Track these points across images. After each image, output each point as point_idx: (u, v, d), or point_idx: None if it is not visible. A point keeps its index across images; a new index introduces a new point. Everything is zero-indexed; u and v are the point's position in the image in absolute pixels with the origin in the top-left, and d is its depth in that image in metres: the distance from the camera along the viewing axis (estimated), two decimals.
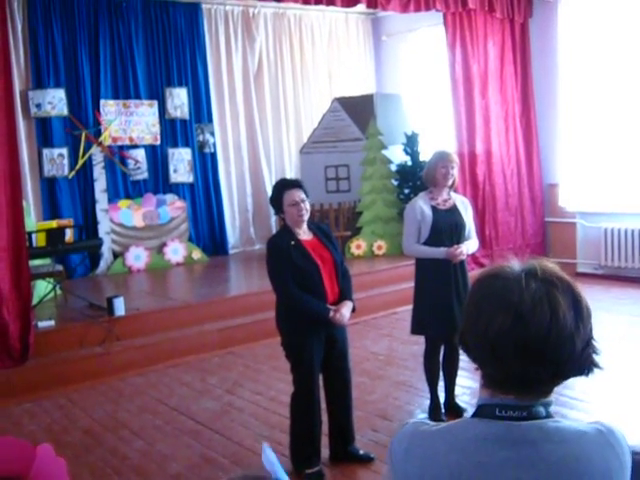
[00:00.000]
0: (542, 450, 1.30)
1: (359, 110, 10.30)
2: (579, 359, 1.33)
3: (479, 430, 1.34)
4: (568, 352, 1.31)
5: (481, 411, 1.38)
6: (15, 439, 1.59)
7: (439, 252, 4.78)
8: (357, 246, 9.66)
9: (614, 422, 1.41)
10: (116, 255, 9.62)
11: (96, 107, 9.56)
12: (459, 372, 5.19)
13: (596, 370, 1.38)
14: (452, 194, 5.07)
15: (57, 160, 9.21)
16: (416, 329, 5.04)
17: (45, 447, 1.59)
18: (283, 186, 4.21)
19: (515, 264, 1.39)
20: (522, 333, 1.29)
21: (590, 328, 1.36)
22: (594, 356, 1.37)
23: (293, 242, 4.12)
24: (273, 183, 10.55)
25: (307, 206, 4.18)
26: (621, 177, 8.99)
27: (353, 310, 4.25)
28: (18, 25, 8.92)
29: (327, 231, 4.41)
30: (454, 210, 4.96)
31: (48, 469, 1.56)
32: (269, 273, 4.22)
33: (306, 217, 4.19)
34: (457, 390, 5.22)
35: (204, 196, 10.54)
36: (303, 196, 4.16)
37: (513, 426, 1.32)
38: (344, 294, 4.24)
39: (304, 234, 4.22)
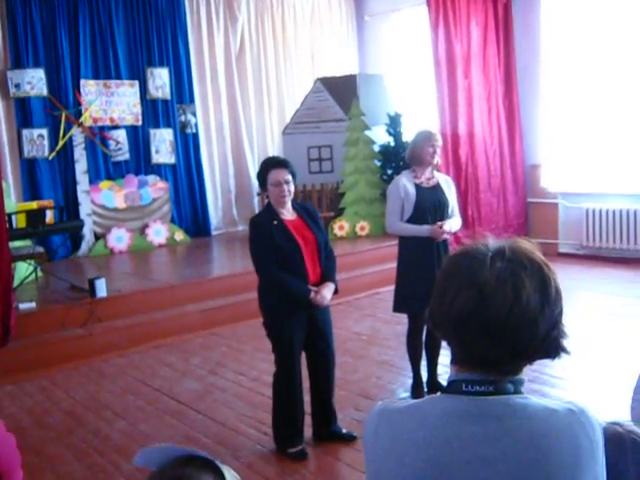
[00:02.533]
0: (508, 425, 1.29)
1: (342, 90, 10.26)
2: (543, 342, 1.31)
3: (447, 405, 1.34)
4: (530, 335, 1.29)
5: (450, 387, 1.37)
6: None
7: (422, 230, 4.79)
8: (340, 227, 9.65)
9: (587, 402, 1.40)
10: (98, 237, 9.56)
11: (76, 87, 9.46)
12: (441, 351, 5.21)
13: (563, 354, 1.36)
14: (435, 173, 5.07)
15: (37, 141, 9.11)
16: (398, 306, 5.05)
17: None
18: (269, 164, 4.19)
19: (490, 243, 1.37)
20: (484, 313, 1.28)
21: (559, 312, 1.33)
22: (561, 340, 1.34)
23: (275, 222, 4.10)
24: (256, 164, 10.60)
25: (291, 187, 4.15)
26: (603, 158, 9.01)
27: (335, 292, 4.24)
28: None
29: (312, 211, 4.39)
30: (437, 188, 4.97)
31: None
32: (251, 252, 4.21)
33: (288, 199, 4.17)
34: (439, 369, 5.24)
35: (186, 177, 10.49)
36: (288, 177, 4.13)
37: (480, 401, 1.31)
38: (326, 275, 4.23)
39: (287, 214, 4.20)
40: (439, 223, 4.83)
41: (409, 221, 4.89)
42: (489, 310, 1.27)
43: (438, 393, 1.41)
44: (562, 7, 9.28)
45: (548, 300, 1.30)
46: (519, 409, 1.30)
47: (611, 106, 8.87)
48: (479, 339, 1.29)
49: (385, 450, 1.37)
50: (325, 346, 4.34)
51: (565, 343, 1.35)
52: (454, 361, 1.38)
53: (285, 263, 4.05)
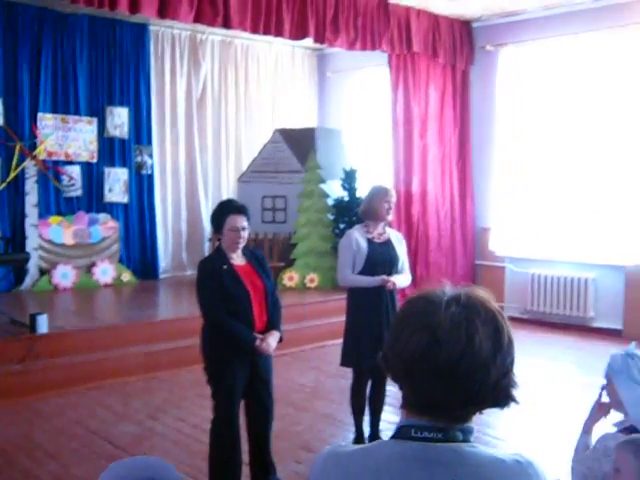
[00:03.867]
0: (456, 473, 1.28)
1: (300, 143, 10.37)
2: (494, 390, 1.31)
3: (395, 450, 1.33)
4: (480, 381, 1.29)
5: (398, 433, 1.37)
6: None
7: (374, 280, 4.83)
8: (289, 277, 9.65)
9: (534, 455, 1.41)
10: (43, 272, 9.37)
11: (33, 120, 9.38)
12: (385, 407, 5.20)
13: (513, 404, 1.36)
14: (387, 229, 5.13)
15: None
16: (345, 361, 5.04)
17: None
18: (228, 209, 4.16)
19: (446, 289, 1.39)
20: (436, 356, 1.28)
21: (510, 361, 1.34)
22: (512, 389, 1.35)
23: (225, 266, 4.08)
24: (209, 209, 10.56)
25: (246, 235, 4.16)
26: (550, 225, 9.25)
27: (280, 340, 4.21)
28: None
29: (261, 258, 4.39)
30: (389, 244, 5.03)
31: None
32: (198, 295, 4.17)
33: (242, 245, 4.17)
34: (382, 425, 5.22)
35: (138, 218, 10.40)
36: (245, 224, 4.13)
37: (428, 447, 1.31)
38: (272, 323, 4.20)
39: (237, 259, 4.18)
40: (385, 277, 4.87)
41: (360, 274, 4.92)
42: (441, 353, 1.28)
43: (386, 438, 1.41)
44: (517, 76, 9.62)
45: (500, 347, 1.32)
46: (467, 457, 1.30)
47: (562, 174, 9.15)
48: (430, 382, 1.30)
49: None
50: (266, 395, 4.30)
51: (515, 393, 1.35)
52: (404, 405, 1.38)
53: (232, 309, 4.02)
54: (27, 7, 9.20)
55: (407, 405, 1.37)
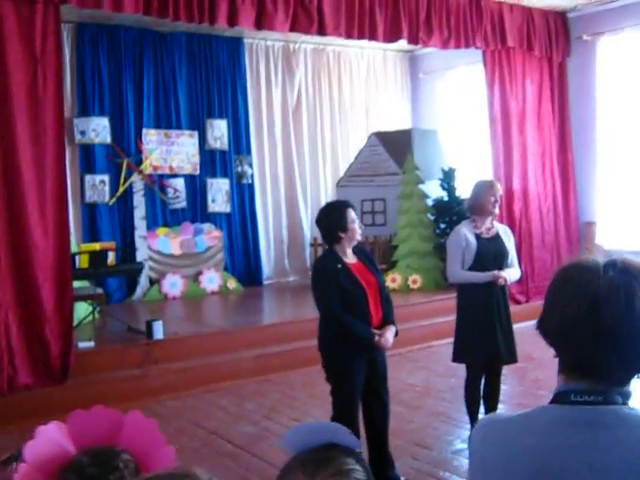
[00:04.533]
0: (619, 435, 1.30)
1: (396, 145, 10.39)
2: None
3: (555, 414, 1.36)
4: None
5: (557, 398, 1.39)
6: (104, 409, 1.65)
7: (485, 276, 4.78)
8: (392, 279, 9.66)
9: None
10: (152, 282, 9.73)
11: (138, 136, 9.77)
12: (499, 405, 5.15)
13: None
14: (495, 223, 5.09)
15: (99, 186, 9.39)
16: (458, 357, 5.01)
17: (133, 413, 1.65)
18: (345, 205, 4.32)
19: (598, 257, 1.42)
20: (596, 319, 1.31)
21: None
22: None
23: (340, 265, 4.15)
24: (309, 215, 10.71)
25: None
26: None
27: (395, 335, 4.27)
28: (66, 53, 9.16)
29: (370, 255, 4.48)
30: (497, 238, 4.98)
31: (137, 433, 1.60)
32: (315, 294, 4.24)
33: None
34: None
35: (240, 226, 10.65)
36: None
37: (589, 410, 1.33)
38: (387, 318, 4.26)
39: (350, 257, 4.25)
40: (497, 272, 4.83)
41: (470, 270, 4.89)
42: (602, 317, 1.31)
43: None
44: (617, 66, 9.35)
45: None
46: (629, 419, 1.32)
47: None
48: (591, 345, 1.33)
49: (494, 458, 1.39)
50: (384, 391, 4.35)
51: None
52: (562, 371, 1.41)
53: (350, 306, 4.09)
54: (129, 29, 9.60)
55: (565, 370, 1.40)
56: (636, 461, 1.27)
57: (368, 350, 4.14)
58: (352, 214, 4.24)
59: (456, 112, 11.44)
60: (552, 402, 1.40)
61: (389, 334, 4.16)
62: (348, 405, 4.18)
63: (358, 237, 4.24)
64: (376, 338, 4.11)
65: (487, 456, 1.41)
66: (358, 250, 4.36)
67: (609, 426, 1.31)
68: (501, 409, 5.19)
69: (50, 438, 1.61)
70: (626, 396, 1.36)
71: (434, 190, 10.07)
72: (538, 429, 1.36)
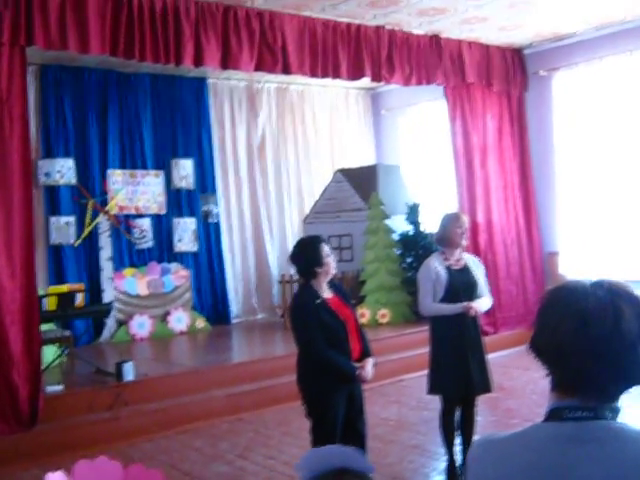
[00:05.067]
0: (612, 448, 1.35)
1: (361, 181, 10.50)
2: None
3: (550, 431, 1.41)
4: (630, 358, 1.38)
5: (551, 415, 1.45)
6: (107, 460, 1.63)
7: (456, 308, 4.84)
8: (361, 314, 9.67)
9: None
10: (120, 323, 9.62)
11: (103, 176, 9.74)
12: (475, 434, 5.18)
13: None
14: (463, 254, 5.17)
15: (64, 228, 9.31)
16: (433, 389, 5.03)
17: (135, 467, 1.63)
18: (318, 240, 4.36)
19: (584, 279, 1.49)
20: (586, 337, 1.38)
21: None
22: None
23: (319, 300, 4.18)
24: (276, 253, 10.72)
25: None
26: (619, 245, 9.13)
27: (374, 365, 4.30)
28: (31, 96, 9.10)
29: (343, 289, 4.53)
30: (467, 269, 5.06)
31: None
32: (296, 330, 4.26)
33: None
34: None
35: (207, 265, 10.63)
36: None
37: (582, 425, 1.39)
38: (365, 351, 4.30)
39: (326, 292, 4.28)
40: (470, 303, 4.89)
41: (441, 302, 4.95)
42: (591, 335, 1.37)
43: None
44: (573, 98, 9.64)
45: None
46: (619, 433, 1.37)
47: (626, 193, 9.05)
48: (582, 362, 1.39)
49: (491, 477, 1.43)
50: (362, 425, 4.36)
51: None
52: (554, 389, 1.46)
53: (330, 340, 4.11)
54: (93, 70, 9.62)
55: (557, 388, 1.46)
56: (629, 474, 1.32)
57: (348, 383, 4.15)
58: (326, 248, 4.30)
59: (418, 147, 11.63)
60: (546, 420, 1.44)
61: (369, 366, 4.21)
62: (330, 439, 4.16)
63: (333, 271, 4.29)
64: (357, 371, 4.13)
65: (485, 475, 1.44)
66: (332, 284, 4.40)
67: (601, 440, 1.36)
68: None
69: None
70: (616, 412, 1.42)
71: (400, 225, 10.18)
72: (534, 447, 1.40)
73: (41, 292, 7.40)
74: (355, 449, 1.34)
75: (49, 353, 7.41)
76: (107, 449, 6.16)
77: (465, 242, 5.12)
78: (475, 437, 5.12)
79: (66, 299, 7.14)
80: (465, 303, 4.85)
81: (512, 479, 1.40)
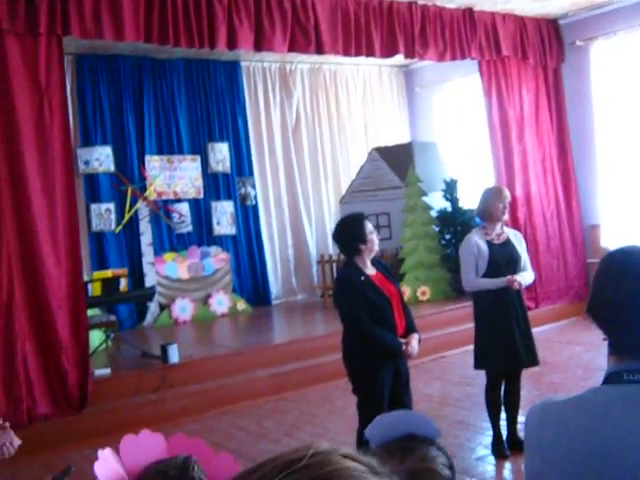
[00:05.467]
0: None
1: (397, 159, 10.46)
2: None
3: (609, 394, 1.42)
4: None
5: (609, 378, 1.45)
6: (150, 433, 1.65)
7: (500, 282, 4.82)
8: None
9: None
10: (162, 307, 9.75)
11: (141, 163, 9.84)
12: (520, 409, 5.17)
13: None
14: (505, 228, 5.14)
15: (104, 215, 9.45)
16: (479, 363, 5.03)
17: (176, 436, 1.67)
18: (361, 218, 4.34)
19: (637, 245, 1.50)
20: None
21: None
22: None
23: (363, 277, 4.20)
24: (314, 234, 10.77)
25: None
26: None
27: (419, 342, 4.32)
28: (67, 85, 9.22)
29: (387, 266, 4.54)
30: (508, 243, 5.03)
31: (186, 450, 1.62)
32: (340, 307, 4.29)
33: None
34: (519, 426, 5.18)
35: (246, 248, 10.70)
36: None
37: None
38: (410, 327, 4.32)
39: (370, 269, 4.30)
40: (514, 276, 4.87)
41: (484, 277, 4.93)
42: None
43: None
44: (611, 69, 9.44)
45: None
46: None
47: None
48: None
49: (552, 439, 1.45)
50: (409, 400, 4.38)
51: None
52: (613, 352, 1.47)
53: (377, 317, 4.13)
54: (127, 58, 9.70)
55: (616, 351, 1.46)
56: None
57: (394, 359, 4.18)
58: (369, 225, 4.31)
59: (453, 124, 11.52)
60: (604, 383, 1.45)
61: (415, 342, 4.24)
62: (377, 414, 4.18)
63: (376, 247, 4.30)
64: (403, 347, 4.15)
65: (545, 438, 1.45)
66: (375, 261, 4.41)
67: None
68: (521, 414, 5.20)
69: (111, 462, 1.62)
70: None
71: (437, 202, 10.14)
72: (593, 409, 1.41)
73: (86, 278, 7.54)
74: (423, 415, 1.35)
75: (95, 338, 7.55)
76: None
77: (506, 217, 5.10)
78: (520, 411, 5.12)
79: (110, 284, 7.26)
80: (509, 277, 4.83)
81: (571, 441, 1.41)
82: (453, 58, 8.78)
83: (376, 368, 4.16)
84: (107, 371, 6.77)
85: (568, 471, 1.41)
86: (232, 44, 7.03)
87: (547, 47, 9.81)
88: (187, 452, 1.67)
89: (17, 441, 2.79)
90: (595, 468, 1.37)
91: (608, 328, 1.47)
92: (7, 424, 2.91)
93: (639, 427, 1.35)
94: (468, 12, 8.84)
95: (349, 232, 4.32)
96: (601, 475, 1.36)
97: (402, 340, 4.20)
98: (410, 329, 4.29)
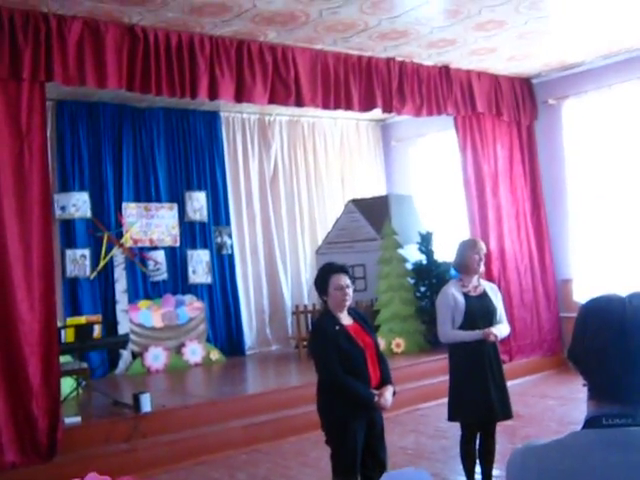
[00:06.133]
0: None
1: (373, 211, 10.56)
2: None
3: (589, 438, 1.46)
4: None
5: (589, 423, 1.49)
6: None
7: (475, 334, 4.86)
8: None
9: None
10: (135, 355, 9.64)
11: (118, 210, 9.83)
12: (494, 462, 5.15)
13: None
14: (481, 281, 5.20)
15: (79, 261, 9.39)
16: (453, 415, 5.03)
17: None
18: (331, 270, 4.35)
19: (617, 293, 1.55)
20: (624, 346, 1.45)
21: None
22: None
23: (338, 327, 4.21)
24: (289, 284, 10.77)
25: (351, 292, 4.32)
26: (634, 271, 9.11)
27: (394, 393, 4.30)
28: (47, 130, 9.27)
29: (364, 317, 4.55)
30: (485, 296, 5.09)
31: None
32: (314, 356, 4.29)
33: (349, 302, 4.31)
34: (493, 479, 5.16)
35: (221, 297, 10.66)
36: (349, 282, 4.32)
37: (621, 432, 1.43)
38: (385, 378, 4.31)
39: (345, 319, 4.31)
40: (487, 330, 4.91)
41: (460, 329, 4.96)
42: (629, 344, 1.44)
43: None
44: (583, 127, 9.70)
45: None
46: None
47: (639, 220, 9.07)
48: (620, 370, 1.44)
49: None
50: (382, 451, 4.35)
51: None
52: (593, 397, 1.51)
53: (349, 368, 4.13)
54: (107, 105, 9.77)
55: (595, 396, 1.50)
56: None
57: (368, 410, 4.16)
58: (338, 280, 4.28)
59: (429, 177, 11.70)
60: (584, 427, 1.48)
61: (388, 394, 4.21)
62: (350, 466, 4.16)
63: (345, 303, 4.28)
64: (376, 398, 4.14)
65: None
66: (353, 312, 4.43)
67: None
68: (496, 468, 5.18)
69: None
70: None
71: (413, 254, 10.21)
72: (574, 452, 1.44)
73: (59, 324, 7.45)
74: (423, 473, 1.38)
75: (66, 385, 7.42)
76: None
77: (482, 268, 5.17)
78: (495, 465, 5.11)
79: (84, 331, 7.18)
80: (485, 329, 4.87)
81: None
82: (429, 113, 8.95)
83: (349, 419, 4.13)
84: (78, 419, 6.66)
85: None
86: (213, 94, 7.13)
87: (521, 105, 10.07)
88: None
89: None
90: None
91: (587, 374, 1.52)
92: None
93: (618, 471, 1.38)
94: (444, 69, 9.06)
95: (315, 283, 4.38)
96: None
97: (375, 392, 4.18)
98: (385, 381, 4.28)
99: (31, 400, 5.98)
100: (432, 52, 8.51)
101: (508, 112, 9.87)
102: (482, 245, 5.20)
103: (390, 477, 1.43)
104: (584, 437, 1.47)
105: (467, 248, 5.12)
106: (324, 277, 4.31)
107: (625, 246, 9.23)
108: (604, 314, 1.50)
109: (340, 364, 4.12)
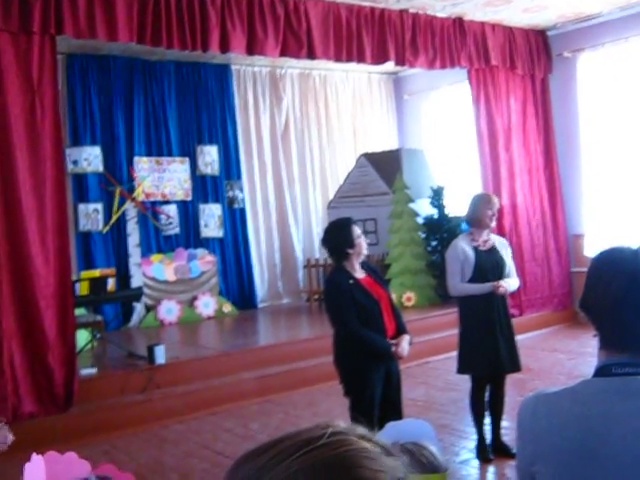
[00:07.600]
0: None
1: (385, 165, 10.53)
2: None
3: (599, 385, 1.50)
4: None
5: (600, 371, 1.53)
6: (76, 457, 1.66)
7: (486, 287, 4.89)
8: None
9: None
10: (148, 309, 9.74)
11: (130, 164, 9.85)
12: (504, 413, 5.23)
13: None
14: (491, 235, 5.21)
15: (92, 215, 9.44)
16: (462, 368, 5.09)
17: (104, 467, 1.68)
18: (348, 222, 4.40)
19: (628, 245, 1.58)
20: (637, 294, 1.47)
21: None
22: None
23: (352, 281, 4.25)
24: (301, 237, 10.80)
25: None
26: None
27: (410, 343, 4.37)
28: (58, 84, 9.24)
29: (376, 269, 4.59)
30: (494, 250, 5.10)
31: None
32: (330, 310, 4.34)
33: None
34: (502, 430, 5.23)
35: (233, 251, 10.72)
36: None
37: (630, 380, 1.46)
38: (401, 328, 4.37)
39: (359, 272, 4.35)
40: (496, 283, 4.93)
41: (469, 283, 4.99)
42: None
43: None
44: (598, 80, 9.57)
45: None
46: None
47: None
48: (632, 320, 1.47)
49: (545, 428, 1.52)
50: (399, 402, 4.42)
51: None
52: (604, 347, 1.54)
53: (365, 320, 4.18)
54: (118, 58, 9.72)
55: (606, 345, 1.53)
56: None
57: (384, 361, 4.23)
58: (357, 230, 4.36)
59: (441, 131, 11.62)
60: (594, 376, 1.52)
61: (405, 343, 4.28)
62: (369, 417, 4.22)
63: (365, 251, 4.35)
64: (393, 348, 4.20)
65: (538, 427, 1.52)
66: (365, 265, 4.47)
67: None
68: (505, 419, 5.26)
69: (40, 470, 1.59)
70: None
71: (424, 209, 10.21)
72: (584, 399, 1.48)
73: (73, 277, 7.53)
74: (427, 425, 1.41)
75: (81, 337, 7.54)
76: (140, 430, 6.31)
77: (494, 224, 5.18)
78: (504, 416, 5.18)
79: (98, 284, 7.26)
80: (494, 282, 4.90)
81: (564, 430, 1.48)
82: (443, 66, 8.86)
83: (366, 370, 4.20)
84: (93, 370, 6.78)
85: (561, 458, 1.47)
86: (225, 47, 7.07)
87: (535, 57, 9.92)
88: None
89: (11, 437, 2.80)
90: (587, 455, 1.44)
91: (599, 323, 1.54)
92: (3, 419, 2.93)
93: (627, 417, 1.42)
94: (458, 21, 8.93)
95: (337, 237, 4.38)
96: (592, 462, 1.43)
97: (392, 341, 4.24)
98: (400, 331, 4.34)
99: (47, 352, 6.08)
100: (446, 4, 8.38)
101: (522, 65, 9.74)
102: (496, 200, 5.20)
103: (392, 427, 1.45)
104: (594, 385, 1.51)
105: (481, 202, 5.12)
106: (347, 228, 4.33)
107: (638, 202, 9.18)
108: (618, 263, 1.52)
109: (356, 317, 4.17)
